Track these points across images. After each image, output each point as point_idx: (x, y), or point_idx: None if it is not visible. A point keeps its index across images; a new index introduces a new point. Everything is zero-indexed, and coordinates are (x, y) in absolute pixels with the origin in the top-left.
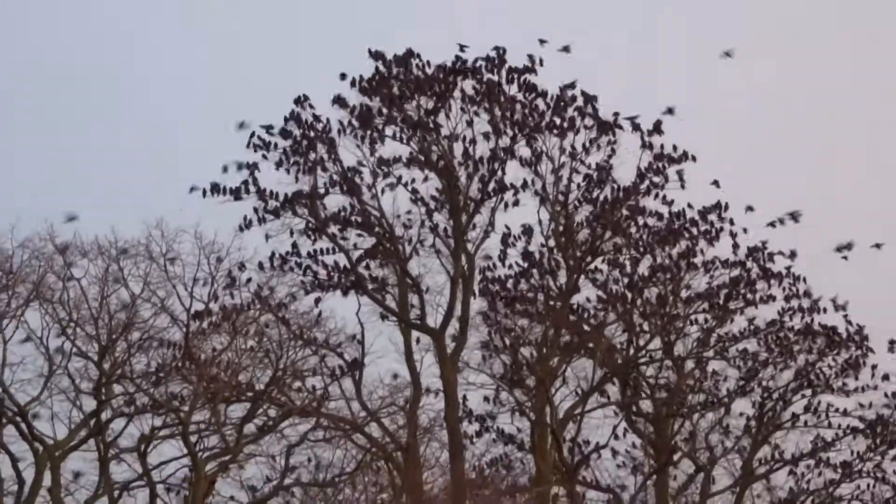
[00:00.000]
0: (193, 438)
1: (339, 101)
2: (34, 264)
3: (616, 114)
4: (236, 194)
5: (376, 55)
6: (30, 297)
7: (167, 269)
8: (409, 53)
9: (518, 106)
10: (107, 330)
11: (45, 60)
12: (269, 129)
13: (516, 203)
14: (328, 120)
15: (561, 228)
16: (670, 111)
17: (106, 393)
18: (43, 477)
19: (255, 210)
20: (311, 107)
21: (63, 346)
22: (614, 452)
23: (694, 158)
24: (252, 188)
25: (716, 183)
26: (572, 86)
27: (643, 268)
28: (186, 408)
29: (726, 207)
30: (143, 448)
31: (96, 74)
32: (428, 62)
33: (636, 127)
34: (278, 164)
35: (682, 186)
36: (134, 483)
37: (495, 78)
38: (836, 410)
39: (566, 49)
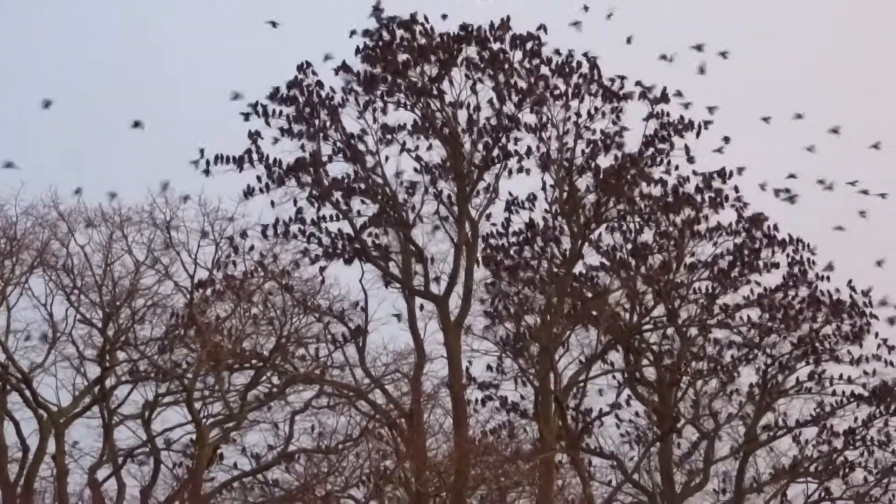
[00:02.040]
0: (198, 405)
1: (343, 67)
2: (38, 231)
3: (622, 79)
4: (239, 164)
5: (380, 21)
6: (34, 264)
7: (171, 235)
8: (413, 19)
9: (523, 72)
10: (111, 297)
11: (53, 30)
12: (273, 95)
13: (521, 170)
14: (331, 87)
15: (565, 195)
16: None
17: (110, 360)
18: (47, 444)
19: (259, 178)
20: (315, 73)
21: (67, 313)
22: (618, 419)
23: (699, 130)
24: (255, 156)
25: (726, 139)
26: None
27: (647, 235)
28: (190, 375)
29: (731, 175)
30: (147, 415)
31: (102, 44)
32: (432, 28)
33: (643, 95)
34: (282, 132)
35: (689, 158)
36: (138, 450)
37: (499, 46)
38: (840, 378)
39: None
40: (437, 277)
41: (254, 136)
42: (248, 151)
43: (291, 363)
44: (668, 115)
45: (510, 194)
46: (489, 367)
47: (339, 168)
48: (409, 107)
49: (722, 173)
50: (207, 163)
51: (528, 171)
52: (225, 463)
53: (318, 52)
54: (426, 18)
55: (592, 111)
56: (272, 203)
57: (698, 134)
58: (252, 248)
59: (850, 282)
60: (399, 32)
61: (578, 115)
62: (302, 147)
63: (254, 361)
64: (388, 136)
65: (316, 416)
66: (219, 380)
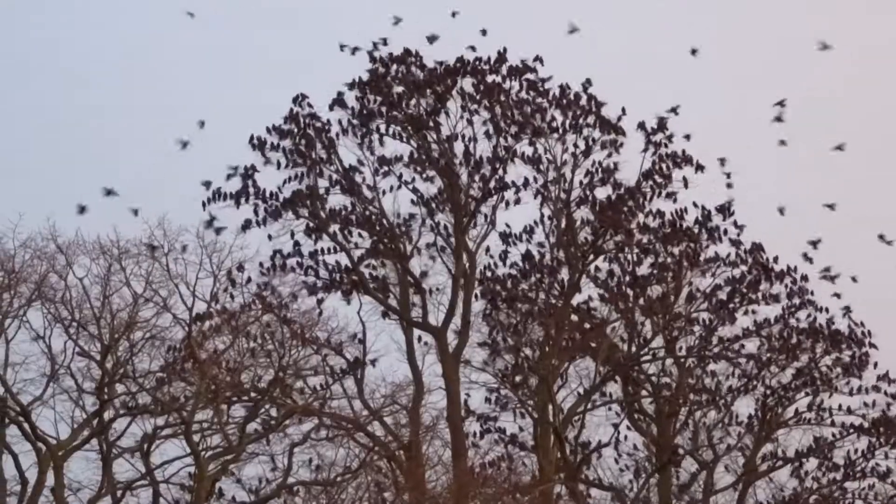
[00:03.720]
0: (196, 438)
1: (338, 102)
2: (36, 264)
3: (621, 114)
4: (236, 199)
5: (374, 57)
6: (32, 297)
7: (169, 268)
8: (408, 53)
9: (520, 104)
10: (109, 329)
11: (46, 55)
12: (270, 126)
13: (517, 201)
14: (328, 120)
15: (563, 226)
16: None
17: (108, 392)
18: (46, 477)
19: (255, 212)
20: (310, 106)
21: (66, 346)
22: (617, 451)
23: (701, 168)
24: (252, 191)
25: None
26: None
27: (645, 266)
28: (189, 407)
29: (730, 209)
30: (145, 447)
31: (99, 70)
32: (424, 64)
33: (640, 125)
34: (278, 165)
35: (686, 186)
36: (137, 482)
37: (496, 78)
38: (840, 408)
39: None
40: (441, 304)
41: (250, 171)
42: (245, 187)
43: (290, 396)
44: (666, 145)
45: (507, 226)
46: (487, 400)
47: (335, 200)
48: (405, 139)
49: (721, 208)
50: (206, 203)
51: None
52: (224, 499)
53: (318, 81)
54: (418, 54)
55: (590, 143)
56: (269, 236)
57: (697, 169)
58: (249, 280)
59: (847, 308)
60: (394, 66)
61: (576, 146)
62: (300, 181)
63: (252, 394)
64: (385, 169)
65: (315, 448)
66: (217, 412)
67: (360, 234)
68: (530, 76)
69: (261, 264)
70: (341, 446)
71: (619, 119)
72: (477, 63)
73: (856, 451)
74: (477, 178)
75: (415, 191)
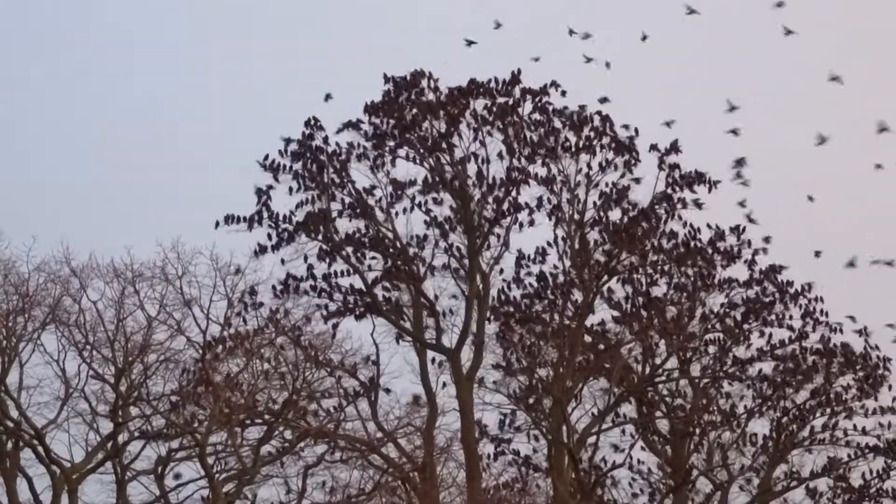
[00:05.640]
0: (210, 460)
1: (350, 125)
2: (50, 287)
3: (633, 135)
4: (249, 223)
5: (388, 78)
6: (46, 321)
7: (183, 291)
8: (420, 74)
9: (533, 126)
10: (123, 352)
11: (61, 79)
12: (282, 149)
13: (531, 222)
14: (338, 144)
15: (577, 247)
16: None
17: (123, 415)
18: (60, 500)
19: (269, 236)
20: (322, 129)
21: (80, 369)
22: (632, 472)
23: (712, 183)
24: (265, 214)
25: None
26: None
27: (660, 287)
28: (203, 430)
29: (744, 230)
30: (160, 470)
31: (113, 96)
32: (437, 85)
33: (653, 147)
34: (291, 189)
35: (699, 207)
36: None
37: (509, 100)
38: (855, 429)
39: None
40: (454, 325)
41: (263, 194)
42: (259, 211)
43: (304, 418)
44: (678, 167)
45: (519, 252)
46: (502, 422)
47: (348, 223)
48: (418, 161)
49: (735, 228)
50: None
51: (533, 222)
52: None
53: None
54: (431, 76)
55: (604, 163)
56: (282, 261)
57: (710, 188)
58: (262, 304)
59: (864, 329)
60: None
61: (590, 167)
62: (313, 203)
63: (266, 416)
64: (398, 192)
65: (329, 470)
66: (231, 435)
67: (373, 257)
68: (545, 98)
69: (273, 287)
70: (355, 468)
71: (632, 139)
72: (489, 84)
73: (871, 471)
74: (490, 199)
75: (428, 212)
